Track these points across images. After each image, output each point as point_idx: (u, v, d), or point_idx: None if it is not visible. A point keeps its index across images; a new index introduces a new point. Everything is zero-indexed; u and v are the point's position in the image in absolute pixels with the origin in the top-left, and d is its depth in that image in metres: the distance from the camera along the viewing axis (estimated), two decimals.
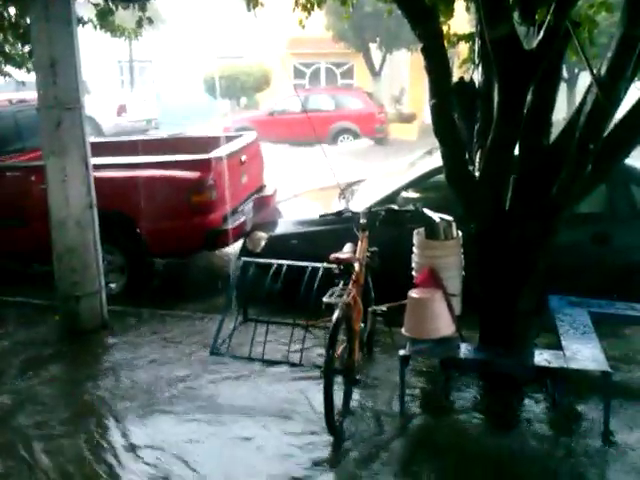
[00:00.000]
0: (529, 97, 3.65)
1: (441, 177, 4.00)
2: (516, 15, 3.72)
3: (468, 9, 4.78)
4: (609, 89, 3.33)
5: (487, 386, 4.03)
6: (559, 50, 3.64)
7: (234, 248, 6.06)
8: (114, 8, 6.34)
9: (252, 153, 6.82)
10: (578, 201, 3.80)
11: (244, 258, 4.96)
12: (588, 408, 3.76)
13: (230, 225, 5.79)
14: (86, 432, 3.67)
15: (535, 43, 3.46)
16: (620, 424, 3.59)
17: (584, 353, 3.65)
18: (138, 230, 5.68)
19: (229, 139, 6.67)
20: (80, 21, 6.01)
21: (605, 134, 3.51)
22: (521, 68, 3.45)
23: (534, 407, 3.81)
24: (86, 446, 3.54)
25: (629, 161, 4.25)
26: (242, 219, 6.05)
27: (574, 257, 4.74)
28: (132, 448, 3.50)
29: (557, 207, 3.71)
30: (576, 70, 17.62)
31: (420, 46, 3.61)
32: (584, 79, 13.86)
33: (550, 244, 3.84)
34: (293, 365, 4.31)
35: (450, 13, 4.63)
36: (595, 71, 3.39)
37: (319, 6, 5.25)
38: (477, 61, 4.06)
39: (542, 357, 3.66)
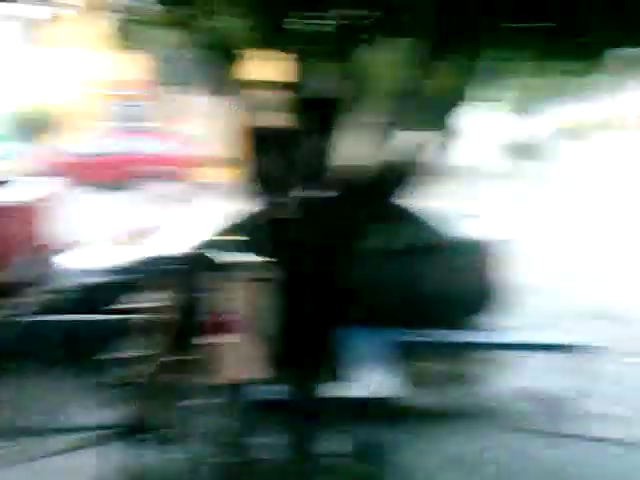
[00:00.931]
0: (324, 140, 3.86)
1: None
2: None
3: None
4: (387, 134, 3.64)
5: (292, 425, 4.07)
6: (349, 97, 3.90)
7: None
8: None
9: (36, 200, 6.21)
10: (369, 236, 4.06)
11: (12, 317, 4.55)
12: (381, 434, 3.92)
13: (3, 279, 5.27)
14: None
15: (324, 92, 3.71)
16: (414, 446, 3.82)
17: (378, 381, 3.84)
18: None
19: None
20: None
21: (393, 174, 3.83)
22: (317, 114, 3.66)
23: (333, 441, 3.87)
24: None
25: (418, 200, 4.66)
26: (18, 273, 5.53)
27: (371, 290, 5.02)
28: None
29: (351, 244, 3.94)
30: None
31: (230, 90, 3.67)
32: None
33: (345, 279, 4.05)
34: (91, 430, 3.98)
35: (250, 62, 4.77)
36: (379, 118, 3.70)
37: (127, 47, 5.08)
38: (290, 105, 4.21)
39: (336, 390, 3.79)
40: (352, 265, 4.03)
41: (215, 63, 3.74)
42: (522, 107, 20.56)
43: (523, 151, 21.40)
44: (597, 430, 4.15)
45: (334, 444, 3.85)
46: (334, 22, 3.70)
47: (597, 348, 4.79)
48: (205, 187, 17.09)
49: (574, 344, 4.76)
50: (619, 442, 4.03)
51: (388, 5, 3.62)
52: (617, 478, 3.70)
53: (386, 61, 4.52)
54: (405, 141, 3.88)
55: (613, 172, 18.17)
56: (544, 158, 21.16)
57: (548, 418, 4.35)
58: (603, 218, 11.92)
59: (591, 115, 24.83)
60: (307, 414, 4.02)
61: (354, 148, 3.91)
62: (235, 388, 3.75)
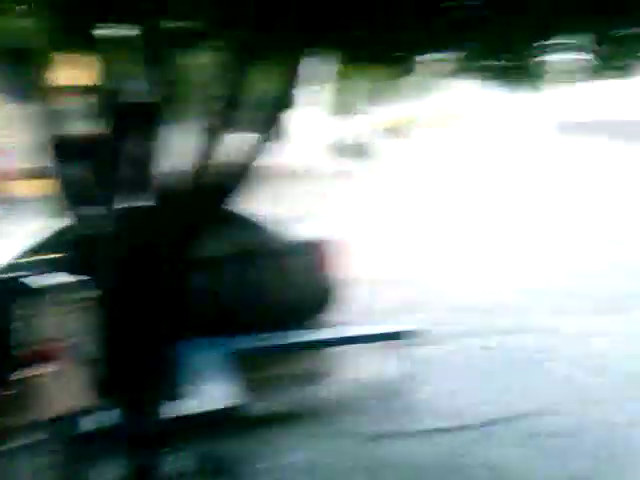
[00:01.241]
0: (141, 148, 3.66)
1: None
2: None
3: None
4: (216, 136, 3.62)
5: (131, 452, 3.83)
6: (167, 102, 3.74)
7: None
8: None
9: None
10: (200, 244, 3.93)
11: None
12: (225, 447, 3.82)
13: None
14: None
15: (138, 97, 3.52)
16: (260, 456, 3.76)
17: (219, 393, 3.74)
18: None
19: None
20: None
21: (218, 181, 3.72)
22: (131, 120, 3.50)
23: (177, 461, 3.72)
24: None
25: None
26: None
27: (206, 299, 4.88)
28: None
29: (178, 254, 3.78)
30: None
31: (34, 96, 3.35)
32: None
33: (177, 292, 3.87)
34: None
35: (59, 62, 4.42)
36: (202, 122, 3.65)
37: None
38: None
39: (176, 407, 3.64)
40: (182, 276, 3.87)
41: (13, 66, 3.38)
42: (346, 108, 21.46)
43: (349, 151, 22.36)
44: (429, 423, 4.34)
45: (178, 464, 3.68)
46: (143, 26, 3.53)
47: (437, 337, 5.06)
48: (12, 203, 15.74)
49: (409, 333, 4.98)
50: (453, 432, 4.24)
51: (198, 13, 3.54)
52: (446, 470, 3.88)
53: (204, 65, 4.43)
54: (231, 145, 3.81)
55: (437, 166, 19.63)
56: (369, 157, 22.30)
57: (386, 414, 4.50)
58: (438, 211, 12.78)
59: (411, 114, 26.68)
60: (145, 438, 3.81)
61: (177, 154, 3.78)
62: (62, 421, 3.44)
